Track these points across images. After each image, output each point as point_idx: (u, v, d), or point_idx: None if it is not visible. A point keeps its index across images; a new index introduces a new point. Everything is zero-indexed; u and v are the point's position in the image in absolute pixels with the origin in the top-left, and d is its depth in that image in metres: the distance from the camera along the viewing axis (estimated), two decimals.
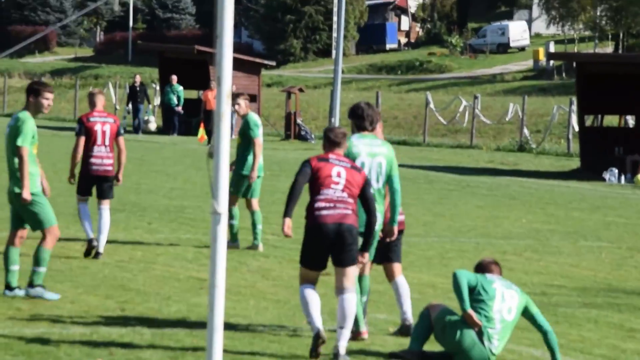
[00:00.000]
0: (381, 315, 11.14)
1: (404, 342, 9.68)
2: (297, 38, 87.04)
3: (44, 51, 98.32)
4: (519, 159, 36.64)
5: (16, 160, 11.07)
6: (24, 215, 11.19)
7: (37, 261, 11.14)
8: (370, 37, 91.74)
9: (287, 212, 9.16)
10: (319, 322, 9.09)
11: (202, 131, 37.49)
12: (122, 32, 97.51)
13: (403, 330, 10.26)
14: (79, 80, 60.55)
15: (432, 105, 43.95)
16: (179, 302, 11.25)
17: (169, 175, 25.76)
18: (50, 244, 11.18)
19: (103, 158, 14.01)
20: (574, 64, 37.86)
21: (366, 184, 9.32)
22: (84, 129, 13.97)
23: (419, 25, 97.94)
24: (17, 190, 11.11)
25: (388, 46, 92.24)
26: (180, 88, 42.81)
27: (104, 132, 13.99)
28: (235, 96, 15.25)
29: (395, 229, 10.09)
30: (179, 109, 42.78)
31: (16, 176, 11.11)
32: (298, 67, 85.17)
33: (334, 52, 50.85)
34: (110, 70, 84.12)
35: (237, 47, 78.78)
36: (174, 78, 42.71)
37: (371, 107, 10.06)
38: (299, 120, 42.66)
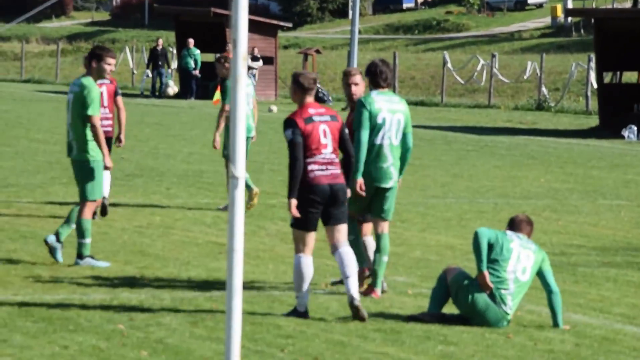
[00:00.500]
0: (400, 277, 11.17)
1: (423, 305, 9.71)
2: None
3: (60, 16, 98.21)
4: (537, 117, 36.50)
5: (84, 127, 11.16)
6: (78, 180, 11.25)
7: (80, 233, 11.23)
8: None
9: (292, 193, 9.13)
10: (306, 300, 9.26)
11: (217, 94, 37.46)
12: None
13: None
14: (96, 44, 60.50)
15: (449, 65, 43.76)
16: (198, 267, 11.30)
17: (186, 140, 25.79)
18: (89, 214, 11.29)
19: (102, 119, 14.11)
20: (592, 20, 37.57)
21: (342, 127, 9.41)
22: None
23: None
24: (86, 157, 11.18)
25: (405, 5, 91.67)
26: (197, 52, 42.74)
27: (101, 94, 14.11)
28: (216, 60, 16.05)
29: (401, 181, 10.38)
30: (196, 72, 42.75)
31: (82, 143, 11.18)
32: (315, 29, 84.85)
33: (350, 12, 50.60)
34: (127, 34, 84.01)
35: (254, 9, 78.43)
36: (191, 41, 42.64)
37: (385, 64, 10.28)
38: None
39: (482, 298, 9.14)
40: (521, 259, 9.19)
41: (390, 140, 10.18)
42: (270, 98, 42.51)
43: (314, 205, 9.18)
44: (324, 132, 9.24)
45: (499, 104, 41.35)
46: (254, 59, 42.05)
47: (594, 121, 34.03)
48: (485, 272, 9.11)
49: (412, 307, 9.76)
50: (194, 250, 12.25)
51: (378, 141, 10.16)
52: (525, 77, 44.90)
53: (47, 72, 56.42)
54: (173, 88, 44.57)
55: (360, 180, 10.11)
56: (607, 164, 23.22)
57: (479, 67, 45.53)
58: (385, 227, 10.28)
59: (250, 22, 42.91)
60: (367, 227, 10.43)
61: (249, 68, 42.04)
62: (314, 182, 9.18)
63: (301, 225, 9.22)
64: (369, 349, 8.45)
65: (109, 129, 14.25)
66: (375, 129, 10.14)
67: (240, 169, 6.48)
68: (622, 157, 25.16)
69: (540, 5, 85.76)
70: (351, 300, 9.16)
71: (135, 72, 50.95)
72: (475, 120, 35.12)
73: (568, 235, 14.21)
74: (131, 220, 14.13)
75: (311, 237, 9.26)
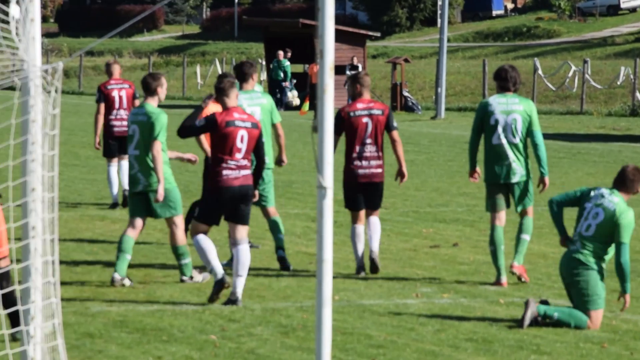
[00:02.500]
0: (492, 287, 11.07)
1: (515, 314, 9.58)
2: (402, 7, 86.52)
3: (152, 30, 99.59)
4: (632, 123, 35.91)
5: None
6: None
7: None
8: (476, 3, 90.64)
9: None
10: (219, 268, 9.93)
11: (306, 105, 37.58)
12: (228, 8, 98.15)
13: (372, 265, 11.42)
14: (186, 57, 61.20)
15: (540, 72, 43.32)
16: (289, 278, 11.34)
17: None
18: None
19: (123, 120, 15.85)
20: None
21: (260, 135, 10.10)
22: (103, 96, 15.95)
23: None
24: None
25: (494, 12, 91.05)
26: (287, 63, 42.96)
27: (121, 97, 15.96)
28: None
29: (547, 179, 11.12)
30: (286, 84, 42.95)
31: None
32: (403, 37, 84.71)
33: (439, 20, 50.45)
34: (217, 46, 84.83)
35: (342, 19, 78.60)
36: (281, 54, 42.92)
37: (514, 69, 11.12)
38: (405, 91, 42.47)
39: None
40: (589, 217, 9.49)
41: (507, 139, 10.99)
42: None
43: (222, 204, 9.98)
44: (242, 138, 9.96)
45: (591, 110, 40.80)
46: (353, 68, 42.05)
47: None
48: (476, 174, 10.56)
49: (504, 316, 9.67)
50: None
51: (495, 141, 11.04)
52: (618, 83, 44.23)
53: (139, 86, 57.14)
54: (295, 99, 43.55)
55: (471, 171, 11.21)
56: None
57: (570, 73, 44.98)
58: (528, 212, 11.17)
59: (339, 32, 42.94)
60: (361, 215, 11.52)
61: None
62: (225, 184, 9.90)
63: (202, 218, 10.07)
64: (461, 358, 8.39)
65: (126, 129, 15.73)
66: (490, 130, 11.02)
67: (328, 179, 6.48)
68: None
69: (633, 10, 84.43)
70: (234, 300, 9.81)
71: None
72: (567, 127, 34.70)
73: None
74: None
75: (204, 227, 10.15)
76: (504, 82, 11.06)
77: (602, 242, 9.40)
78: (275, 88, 43.37)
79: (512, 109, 10.97)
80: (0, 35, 5.51)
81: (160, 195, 10.64)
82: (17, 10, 5.53)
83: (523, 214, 11.27)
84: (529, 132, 11.05)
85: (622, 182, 9.51)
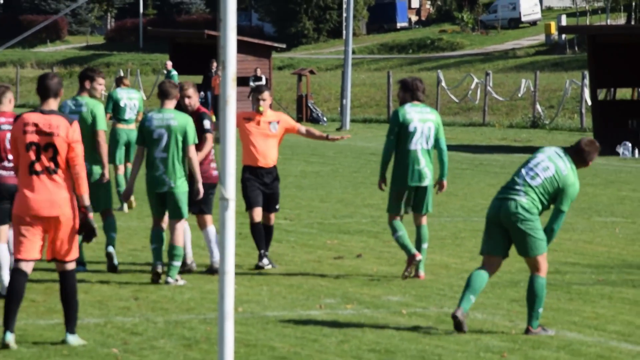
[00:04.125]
0: (394, 297, 11.16)
1: (418, 324, 9.66)
2: (309, 19, 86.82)
3: (55, 40, 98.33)
4: (532, 135, 36.55)
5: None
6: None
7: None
8: (381, 16, 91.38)
9: None
10: (6, 284, 9.93)
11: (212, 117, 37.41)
12: (133, 18, 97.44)
13: (212, 270, 11.89)
14: (86, 67, 60.48)
15: (443, 84, 43.84)
16: (192, 290, 11.28)
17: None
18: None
19: None
20: (586, 37, 37.68)
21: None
22: None
23: (429, 2, 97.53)
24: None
25: (399, 25, 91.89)
26: (174, 73, 42.91)
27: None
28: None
29: (445, 182, 12.01)
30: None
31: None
32: (309, 49, 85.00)
33: (344, 32, 50.75)
34: (121, 57, 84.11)
35: (248, 31, 78.52)
36: (169, 64, 42.89)
37: (421, 81, 11.93)
38: (310, 103, 42.60)
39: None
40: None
41: (421, 145, 11.76)
42: None
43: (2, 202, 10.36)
44: (9, 140, 10.22)
45: (493, 122, 41.41)
46: (257, 79, 42.06)
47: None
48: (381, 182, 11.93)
49: (406, 327, 9.75)
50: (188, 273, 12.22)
51: (412, 147, 11.76)
52: (519, 95, 44.97)
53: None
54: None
55: (380, 180, 11.89)
56: (602, 181, 23.23)
57: (473, 86, 45.61)
58: (423, 220, 11.96)
59: (243, 43, 42.86)
60: (209, 219, 11.90)
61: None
62: (1, 181, 10.29)
63: None
64: None
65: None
66: (408, 136, 11.71)
67: (230, 191, 6.47)
68: (617, 173, 25.18)
69: (534, 23, 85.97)
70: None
71: None
72: (470, 139, 35.16)
73: (563, 252, 14.19)
74: (126, 243, 14.10)
75: (3, 229, 10.47)
76: (416, 92, 11.88)
77: (541, 196, 9.60)
78: None
79: (427, 118, 11.88)
80: None
81: (200, 192, 11.47)
82: None
83: (418, 222, 11.99)
84: (435, 140, 11.87)
85: (576, 153, 9.68)
